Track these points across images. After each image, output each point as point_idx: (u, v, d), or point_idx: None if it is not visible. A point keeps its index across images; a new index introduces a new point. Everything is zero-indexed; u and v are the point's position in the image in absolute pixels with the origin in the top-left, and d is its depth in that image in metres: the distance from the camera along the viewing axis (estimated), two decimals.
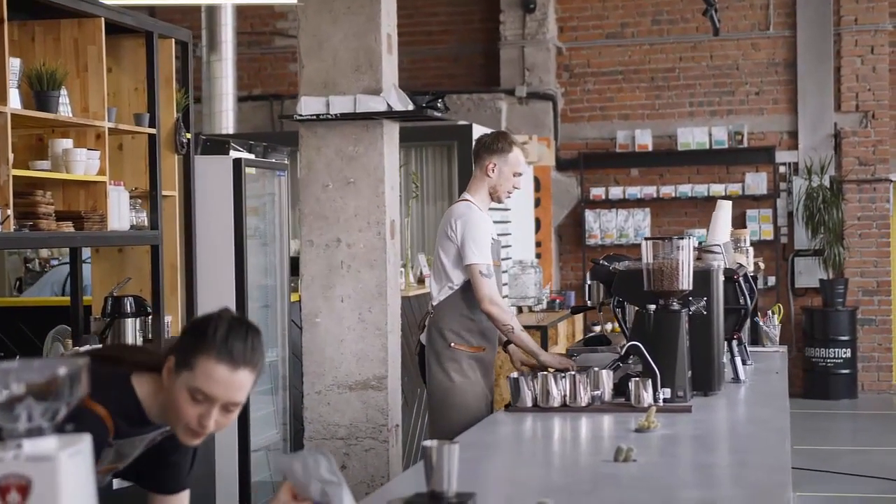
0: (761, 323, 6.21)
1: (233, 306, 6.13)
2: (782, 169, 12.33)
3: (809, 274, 12.16)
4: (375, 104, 5.24)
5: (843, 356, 11.80)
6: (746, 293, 4.94)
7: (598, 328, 9.85)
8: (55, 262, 8.44)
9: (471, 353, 5.03)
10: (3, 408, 1.72)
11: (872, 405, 11.67)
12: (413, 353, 5.75)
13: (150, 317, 5.59)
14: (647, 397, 4.06)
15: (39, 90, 4.77)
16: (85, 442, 1.81)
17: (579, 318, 10.42)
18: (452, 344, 5.02)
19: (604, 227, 12.52)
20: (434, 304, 5.12)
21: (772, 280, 12.14)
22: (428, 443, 2.60)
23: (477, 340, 5.05)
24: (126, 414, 2.56)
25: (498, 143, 5.17)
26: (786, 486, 2.85)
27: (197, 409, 2.46)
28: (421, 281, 8.34)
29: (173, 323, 5.85)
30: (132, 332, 5.44)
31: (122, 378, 2.59)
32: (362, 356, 5.34)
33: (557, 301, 10.53)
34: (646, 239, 4.35)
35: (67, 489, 1.76)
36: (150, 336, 5.60)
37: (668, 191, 12.37)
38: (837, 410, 11.43)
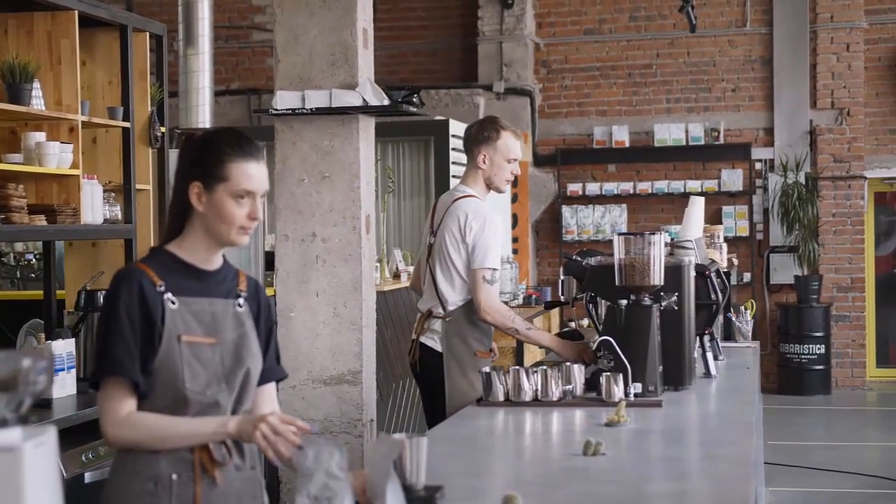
0: (734, 319, 6.24)
1: None
2: (758, 165, 12.39)
3: (784, 270, 12.22)
4: (351, 99, 5.23)
5: (818, 352, 11.87)
6: (718, 289, 4.96)
7: (573, 324, 9.86)
8: (30, 257, 8.39)
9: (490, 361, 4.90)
10: None
11: (846, 401, 11.75)
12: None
13: None
14: (618, 392, 4.08)
15: (12, 83, 4.75)
16: (49, 433, 1.81)
17: (555, 313, 10.43)
18: (477, 353, 4.87)
19: (581, 222, 12.56)
20: (449, 308, 4.87)
21: (747, 276, 12.20)
22: (397, 436, 2.61)
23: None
24: (169, 267, 2.83)
25: (484, 131, 4.94)
26: (748, 478, 2.88)
27: (244, 209, 2.84)
28: (396, 276, 8.33)
29: None
30: None
31: (155, 250, 2.90)
32: (337, 351, 5.33)
33: (534, 297, 10.53)
34: (618, 234, 4.37)
35: (32, 480, 1.76)
36: None
37: (644, 187, 12.42)
38: (811, 406, 11.50)
